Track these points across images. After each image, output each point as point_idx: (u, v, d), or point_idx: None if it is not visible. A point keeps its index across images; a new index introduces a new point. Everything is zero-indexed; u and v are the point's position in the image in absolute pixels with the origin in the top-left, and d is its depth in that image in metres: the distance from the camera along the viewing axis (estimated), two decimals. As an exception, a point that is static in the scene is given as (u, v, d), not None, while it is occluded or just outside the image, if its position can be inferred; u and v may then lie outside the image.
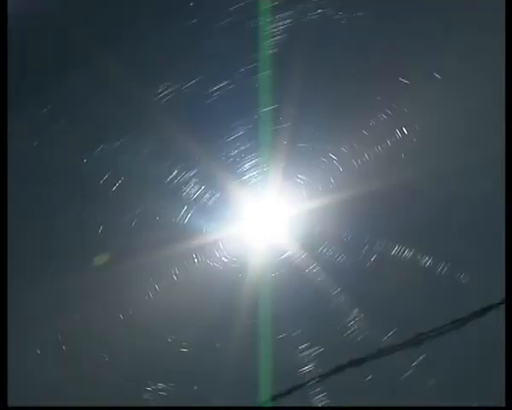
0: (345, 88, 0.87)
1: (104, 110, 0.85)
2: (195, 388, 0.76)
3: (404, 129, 0.83)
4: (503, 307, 0.82)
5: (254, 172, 0.89)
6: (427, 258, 0.79)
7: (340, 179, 0.87)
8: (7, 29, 1.02)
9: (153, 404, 0.83)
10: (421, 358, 0.78)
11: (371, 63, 0.87)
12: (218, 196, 0.86)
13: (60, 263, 0.82)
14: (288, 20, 0.86)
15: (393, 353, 0.78)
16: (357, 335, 0.78)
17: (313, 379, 0.77)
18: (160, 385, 0.75)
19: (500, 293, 0.81)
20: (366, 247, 0.79)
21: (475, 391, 0.79)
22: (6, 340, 0.89)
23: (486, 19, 0.95)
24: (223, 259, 0.77)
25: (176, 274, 0.76)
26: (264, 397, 0.76)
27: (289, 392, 0.78)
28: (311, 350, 0.77)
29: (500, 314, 0.82)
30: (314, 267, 0.80)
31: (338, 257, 0.79)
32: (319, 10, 0.86)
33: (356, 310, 0.78)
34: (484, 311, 0.80)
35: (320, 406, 0.81)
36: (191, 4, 0.87)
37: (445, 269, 0.79)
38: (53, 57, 0.87)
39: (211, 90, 0.84)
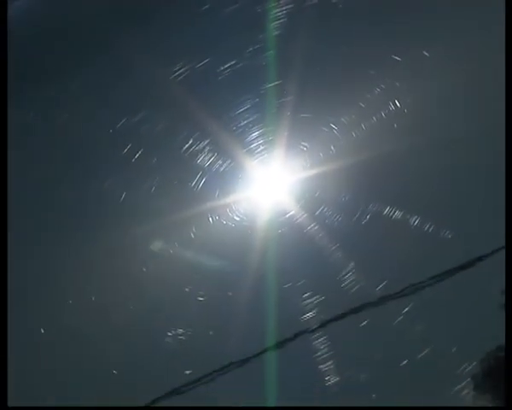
0: (343, 65, 0.94)
1: (128, 89, 0.93)
2: (211, 333, 0.84)
3: (396, 102, 0.90)
4: (483, 259, 0.90)
5: (261, 141, 0.96)
6: (415, 218, 0.86)
7: (340, 147, 0.94)
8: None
9: (168, 356, 0.91)
10: (410, 305, 0.85)
11: (367, 43, 0.94)
12: (228, 163, 0.94)
13: (88, 223, 0.90)
14: (291, 5, 0.93)
15: (385, 301, 0.86)
16: (354, 285, 0.85)
17: (315, 324, 0.85)
18: (180, 330, 0.83)
19: (479, 249, 0.89)
20: (361, 208, 0.87)
21: (458, 334, 0.87)
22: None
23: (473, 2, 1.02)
24: (235, 218, 0.85)
25: (193, 232, 0.84)
26: (271, 340, 0.84)
27: (294, 337, 0.86)
28: (313, 299, 0.85)
29: (481, 267, 0.89)
30: (314, 226, 0.88)
31: (335, 217, 0.87)
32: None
33: (352, 263, 0.86)
34: (466, 264, 0.88)
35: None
36: None
37: (431, 228, 0.87)
38: (83, 43, 0.95)
39: (222, 68, 0.91)
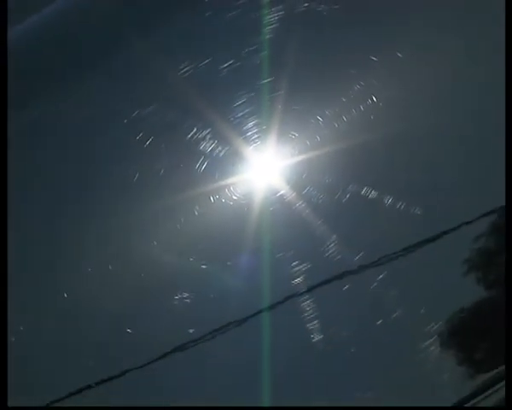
0: (328, 65, 1.01)
1: (140, 84, 0.99)
2: (212, 296, 0.91)
3: (373, 97, 0.98)
4: (448, 233, 0.97)
5: (256, 130, 1.02)
6: (388, 197, 0.93)
7: (324, 136, 1.01)
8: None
9: (172, 323, 0.97)
10: (384, 273, 0.92)
11: (347, 46, 1.00)
12: (227, 149, 0.99)
13: (105, 200, 0.96)
14: (282, 12, 0.99)
15: (363, 269, 0.93)
16: (336, 255, 0.92)
17: (303, 288, 0.91)
18: (185, 294, 0.90)
19: (444, 224, 0.96)
20: (341, 189, 0.93)
21: (426, 297, 0.94)
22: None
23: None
24: (233, 197, 0.91)
25: (197, 210, 0.90)
26: (265, 302, 0.91)
27: (285, 299, 0.92)
28: (301, 266, 0.91)
29: (445, 240, 0.97)
30: (302, 204, 0.95)
31: (320, 196, 0.93)
32: (306, 4, 0.99)
33: (334, 236, 0.92)
34: (433, 237, 0.95)
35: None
36: (206, 0, 1.00)
37: (403, 206, 0.94)
38: (101, 43, 1.00)
39: (221, 67, 0.96)
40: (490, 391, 0.86)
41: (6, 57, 1.01)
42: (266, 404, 0.82)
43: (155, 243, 0.90)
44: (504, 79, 1.00)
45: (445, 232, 0.89)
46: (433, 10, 1.00)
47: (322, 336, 0.87)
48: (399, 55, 0.96)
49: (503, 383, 0.87)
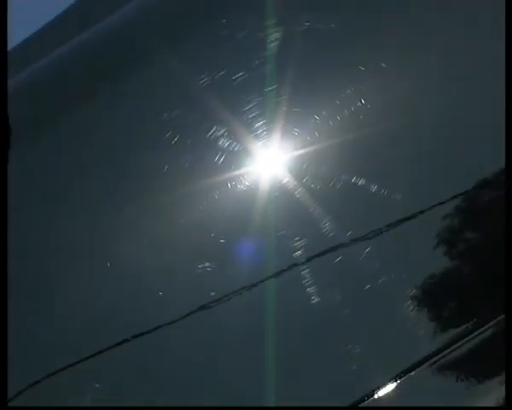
0: (324, 74, 1.13)
1: (168, 91, 1.11)
2: (228, 265, 1.02)
3: (362, 100, 1.10)
4: (423, 213, 1.08)
5: (263, 129, 1.13)
6: (374, 184, 1.05)
7: (322, 133, 1.13)
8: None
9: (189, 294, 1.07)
10: (370, 247, 1.04)
11: (340, 58, 1.12)
12: (240, 145, 1.11)
13: (137, 189, 1.08)
14: (285, 31, 1.10)
15: (353, 243, 1.04)
16: (330, 232, 1.04)
17: (302, 259, 1.01)
18: (207, 264, 1.01)
19: (420, 205, 1.08)
20: (335, 177, 1.05)
21: (406, 266, 1.05)
22: (6, 339, 0.94)
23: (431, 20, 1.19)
24: (246, 184, 1.02)
25: (216, 194, 1.02)
26: (271, 270, 1.02)
27: (287, 269, 1.03)
28: (300, 241, 1.02)
29: (421, 218, 1.08)
30: (301, 190, 1.07)
31: (317, 184, 1.05)
32: (306, 23, 1.12)
33: (329, 216, 1.04)
34: (411, 216, 1.07)
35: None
36: (223, 21, 1.12)
37: (386, 191, 1.06)
38: (134, 57, 1.12)
39: (234, 77, 1.08)
40: (459, 343, 0.99)
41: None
42: (270, 353, 0.95)
43: (183, 220, 1.03)
44: (494, 86, 1.12)
45: (421, 212, 1.02)
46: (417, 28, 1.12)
47: (319, 299, 1.00)
48: (383, 65, 1.07)
49: (470, 337, 1.01)
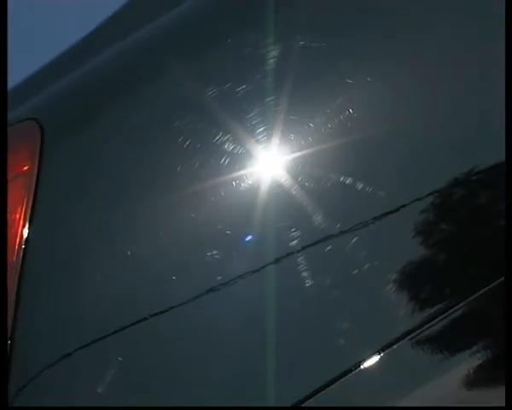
0: (316, 86, 1.22)
1: (180, 100, 1.21)
2: (233, 253, 1.12)
3: (350, 109, 1.21)
4: (405, 206, 1.16)
5: (264, 134, 1.17)
6: (360, 183, 1.14)
7: (314, 138, 1.21)
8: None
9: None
10: (356, 238, 1.12)
11: (330, 72, 1.22)
12: (243, 148, 1.16)
13: (150, 186, 1.19)
14: (282, 49, 1.20)
15: (341, 234, 1.12)
16: (322, 224, 1.12)
17: (298, 247, 1.11)
18: (215, 251, 1.10)
19: (400, 201, 1.17)
20: (326, 176, 1.15)
21: (385, 251, 1.14)
22: (6, 338, 0.95)
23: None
24: (248, 182, 1.10)
25: (223, 191, 1.12)
26: (270, 257, 1.12)
27: (286, 255, 1.11)
28: (296, 232, 1.11)
29: (402, 214, 1.16)
30: (297, 188, 1.14)
31: (310, 182, 1.14)
32: (301, 42, 1.18)
33: (321, 210, 1.12)
34: (393, 210, 1.16)
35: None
36: (229, 40, 1.23)
37: (371, 189, 1.15)
38: (149, 72, 1.23)
39: (238, 89, 1.18)
40: (434, 321, 1.06)
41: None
42: (269, 327, 1.05)
43: (194, 213, 1.15)
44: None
45: (403, 206, 1.11)
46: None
47: (312, 282, 1.06)
48: (369, 79, 1.18)
49: (444, 315, 1.05)
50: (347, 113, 1.17)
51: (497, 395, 1.03)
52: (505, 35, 1.05)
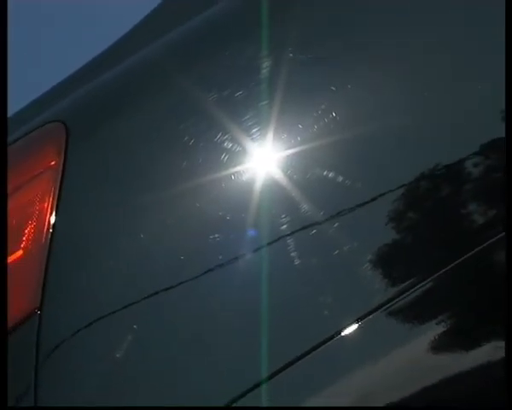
0: (305, 94, 1.29)
1: (184, 105, 1.27)
2: (232, 236, 1.20)
3: (333, 113, 1.28)
4: (387, 193, 1.19)
5: (259, 134, 1.26)
6: (349, 179, 1.20)
7: (304, 137, 1.25)
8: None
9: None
10: (337, 223, 1.13)
11: (317, 80, 1.29)
12: (240, 146, 1.25)
13: (164, 177, 1.29)
14: (274, 59, 1.30)
15: (325, 220, 1.18)
16: (313, 213, 1.14)
17: (290, 233, 1.19)
18: (217, 235, 1.18)
19: (385, 189, 1.21)
20: (316, 172, 1.22)
21: (365, 241, 1.19)
22: (6, 338, 0.99)
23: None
24: (245, 176, 1.24)
25: (224, 183, 1.23)
26: (264, 242, 1.19)
27: (277, 239, 1.14)
28: (286, 218, 1.11)
29: (384, 200, 1.20)
30: (290, 183, 1.21)
31: (303, 177, 1.22)
32: (291, 55, 1.30)
33: (307, 200, 1.15)
34: (376, 197, 1.19)
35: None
36: (228, 52, 1.36)
37: (349, 182, 1.23)
38: (158, 81, 1.38)
39: (236, 95, 1.28)
40: (406, 294, 1.15)
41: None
42: (264, 300, 1.16)
43: (198, 203, 1.27)
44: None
45: (378, 196, 1.21)
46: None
47: (299, 261, 1.18)
48: (349, 86, 1.30)
49: (414, 289, 1.14)
50: (331, 116, 1.27)
51: (459, 357, 1.17)
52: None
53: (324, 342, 1.10)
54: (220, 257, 1.23)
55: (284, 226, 1.22)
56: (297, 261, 1.22)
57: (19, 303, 1.04)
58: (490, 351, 1.16)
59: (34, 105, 1.53)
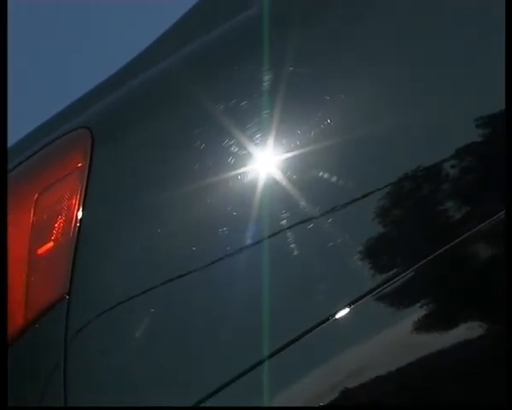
0: (302, 103, 1.38)
1: (195, 114, 1.43)
2: (238, 228, 1.30)
3: (328, 120, 1.33)
4: (379, 190, 1.27)
5: (262, 139, 1.36)
6: (343, 179, 1.29)
7: (302, 141, 1.34)
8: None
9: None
10: (331, 219, 1.12)
11: (314, 91, 1.39)
12: (244, 150, 1.34)
13: (180, 177, 1.40)
14: (275, 73, 1.40)
15: (319, 216, 1.23)
16: (304, 207, 1.18)
17: (288, 224, 1.27)
18: (225, 228, 1.30)
19: (374, 185, 1.29)
20: (313, 174, 1.31)
21: (356, 232, 1.27)
22: (6, 338, 1.00)
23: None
24: (250, 176, 1.32)
25: (231, 183, 1.32)
26: (265, 234, 1.28)
27: (278, 232, 1.27)
28: (285, 214, 1.25)
29: (375, 195, 1.27)
30: (289, 182, 1.29)
31: (300, 178, 1.31)
32: (290, 68, 1.39)
33: (303, 198, 1.16)
34: (368, 193, 1.29)
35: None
36: (235, 68, 1.47)
37: (341, 182, 1.36)
38: (172, 93, 1.47)
39: (241, 105, 1.37)
40: (393, 280, 1.23)
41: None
42: (265, 287, 1.27)
43: (208, 200, 1.38)
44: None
45: (367, 194, 1.29)
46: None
47: (297, 252, 1.28)
48: (342, 96, 1.40)
49: (400, 276, 1.21)
50: (325, 124, 1.38)
51: (439, 336, 1.23)
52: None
53: (319, 325, 1.19)
54: (228, 248, 1.32)
55: (284, 221, 1.31)
56: (295, 252, 1.30)
57: (50, 289, 1.12)
58: (466, 331, 1.25)
59: (61, 114, 1.66)
